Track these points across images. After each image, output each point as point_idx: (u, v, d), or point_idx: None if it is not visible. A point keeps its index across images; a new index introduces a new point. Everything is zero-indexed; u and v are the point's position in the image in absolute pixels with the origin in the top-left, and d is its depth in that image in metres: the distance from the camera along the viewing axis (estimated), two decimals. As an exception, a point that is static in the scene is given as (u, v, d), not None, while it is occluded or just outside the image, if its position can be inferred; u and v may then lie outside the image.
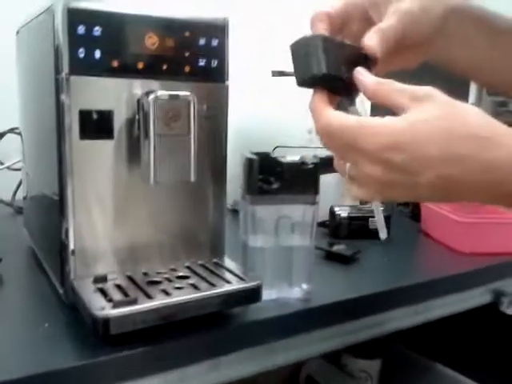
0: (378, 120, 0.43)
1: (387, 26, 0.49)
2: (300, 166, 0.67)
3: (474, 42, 0.54)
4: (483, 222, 0.91)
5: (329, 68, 0.48)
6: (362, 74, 0.47)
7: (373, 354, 1.26)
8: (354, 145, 0.43)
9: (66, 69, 0.55)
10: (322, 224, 1.01)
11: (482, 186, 0.41)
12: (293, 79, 1.14)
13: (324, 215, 1.01)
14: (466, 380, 1.16)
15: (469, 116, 0.41)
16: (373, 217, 0.98)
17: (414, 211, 1.11)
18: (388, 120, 0.42)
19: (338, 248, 0.87)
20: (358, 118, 0.44)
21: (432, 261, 0.94)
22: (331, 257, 0.85)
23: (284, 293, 0.68)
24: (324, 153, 0.96)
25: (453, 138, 0.40)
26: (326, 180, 0.95)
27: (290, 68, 1.15)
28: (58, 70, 0.55)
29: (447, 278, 0.83)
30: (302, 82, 0.51)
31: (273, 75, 1.13)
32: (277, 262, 0.68)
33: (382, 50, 0.49)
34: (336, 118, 0.45)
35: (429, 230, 1.02)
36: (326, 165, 0.92)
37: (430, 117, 0.41)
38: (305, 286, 0.69)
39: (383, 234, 0.57)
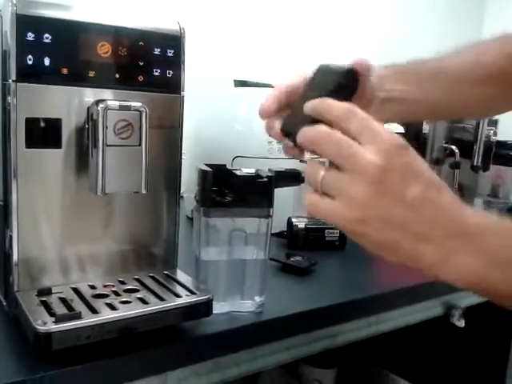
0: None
1: None
2: (255, 178, 0.67)
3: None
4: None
5: None
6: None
7: (329, 363, 1.27)
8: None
9: (13, 75, 0.53)
10: (280, 234, 1.02)
11: (450, 214, 0.43)
12: (255, 89, 1.14)
13: (283, 225, 1.01)
14: (418, 390, 1.18)
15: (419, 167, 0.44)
16: (329, 228, 0.99)
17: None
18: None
19: (294, 260, 0.87)
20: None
21: (385, 273, 0.95)
22: (287, 269, 0.86)
23: (236, 306, 0.68)
24: (282, 165, 0.98)
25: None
26: (285, 191, 0.96)
27: (252, 78, 1.16)
28: (4, 76, 0.54)
29: (399, 291, 0.84)
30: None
31: (235, 85, 1.13)
32: (229, 274, 0.68)
33: None
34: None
35: (384, 242, 1.03)
36: (282, 178, 0.93)
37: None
38: (258, 299, 0.69)
39: None
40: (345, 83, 0.51)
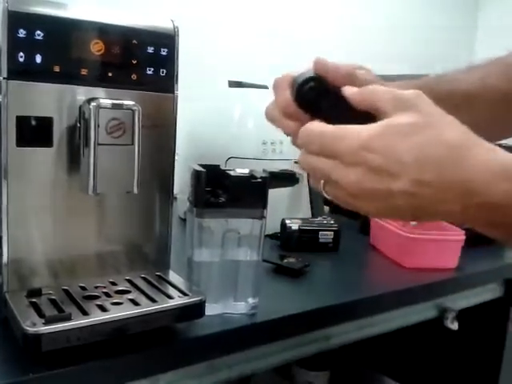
0: (354, 126, 0.43)
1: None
2: (249, 179, 0.66)
3: None
4: (426, 238, 0.93)
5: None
6: (347, 87, 0.47)
7: (321, 365, 1.27)
8: (332, 148, 0.44)
9: (4, 73, 0.52)
10: (273, 236, 1.01)
11: (455, 193, 0.41)
12: (250, 90, 1.14)
13: (276, 227, 1.01)
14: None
15: (445, 126, 0.42)
16: (323, 230, 0.98)
17: (363, 225, 1.12)
18: (364, 126, 0.43)
19: (288, 261, 0.86)
20: (337, 126, 0.44)
21: (379, 275, 0.95)
22: (280, 270, 0.85)
23: (229, 308, 0.67)
24: (276, 166, 0.97)
25: (427, 145, 0.41)
26: (279, 192, 0.95)
27: (247, 78, 1.15)
28: (-5, 74, 0.53)
29: (393, 293, 0.84)
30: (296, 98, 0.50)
31: (230, 86, 1.13)
32: (222, 276, 0.67)
33: None
34: (316, 124, 0.46)
35: (377, 243, 1.04)
36: (277, 178, 0.93)
37: (406, 123, 0.42)
38: (251, 301, 0.68)
39: None
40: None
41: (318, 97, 0.48)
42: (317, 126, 0.45)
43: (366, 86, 0.46)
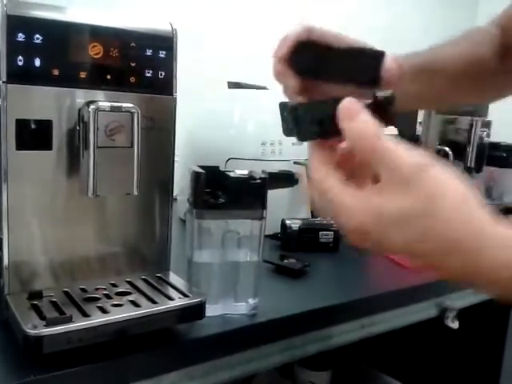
0: (350, 203, 0.38)
1: None
2: (248, 180, 0.66)
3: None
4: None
5: (299, 135, 0.44)
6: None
7: (323, 365, 1.27)
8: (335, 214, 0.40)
9: (3, 76, 0.53)
10: (274, 236, 1.01)
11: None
12: (249, 91, 1.14)
13: (276, 227, 1.01)
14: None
15: (445, 215, 0.36)
16: (323, 230, 0.99)
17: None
18: (358, 209, 0.38)
19: (288, 261, 0.87)
20: (339, 201, 0.39)
21: (379, 274, 0.95)
22: (280, 270, 0.85)
23: (230, 308, 0.68)
24: (275, 167, 0.97)
25: (422, 237, 0.38)
26: (279, 192, 0.96)
27: (246, 79, 1.15)
28: (-6, 77, 0.53)
29: (393, 293, 0.84)
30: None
31: (229, 87, 1.13)
32: (223, 277, 0.67)
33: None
34: (325, 185, 0.40)
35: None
36: (276, 179, 0.93)
37: (399, 210, 0.37)
38: (251, 301, 0.69)
39: None
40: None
41: (315, 61, 0.46)
42: (322, 189, 0.40)
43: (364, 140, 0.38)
